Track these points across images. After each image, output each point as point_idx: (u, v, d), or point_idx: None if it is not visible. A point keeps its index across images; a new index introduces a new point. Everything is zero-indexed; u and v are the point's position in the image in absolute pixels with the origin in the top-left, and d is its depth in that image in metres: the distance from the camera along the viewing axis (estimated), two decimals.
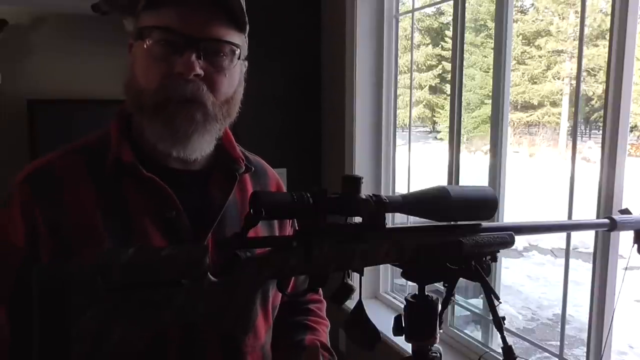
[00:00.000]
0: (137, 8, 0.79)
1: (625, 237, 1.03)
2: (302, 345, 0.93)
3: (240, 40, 0.80)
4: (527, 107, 13.60)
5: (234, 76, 0.81)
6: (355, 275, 0.67)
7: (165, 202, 0.78)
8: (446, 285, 0.72)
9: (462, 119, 1.98)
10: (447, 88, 2.17)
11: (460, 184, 1.97)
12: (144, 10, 0.77)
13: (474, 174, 2.00)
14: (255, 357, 0.86)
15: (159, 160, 0.81)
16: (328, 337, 1.01)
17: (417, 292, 0.71)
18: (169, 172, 0.80)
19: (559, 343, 1.66)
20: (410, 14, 2.37)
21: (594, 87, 10.21)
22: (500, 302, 0.70)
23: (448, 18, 13.15)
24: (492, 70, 1.84)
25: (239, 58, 0.80)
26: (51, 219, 0.74)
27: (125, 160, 0.77)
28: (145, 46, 0.75)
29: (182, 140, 0.77)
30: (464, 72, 1.94)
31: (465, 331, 2.02)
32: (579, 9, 1.60)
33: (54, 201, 0.75)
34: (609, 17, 1.37)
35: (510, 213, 2.01)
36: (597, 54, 9.56)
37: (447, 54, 11.07)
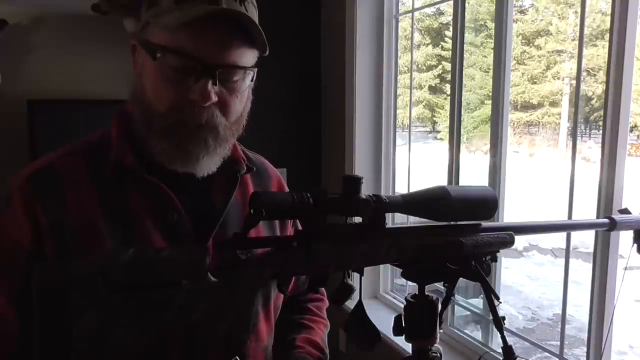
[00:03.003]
0: (141, 10, 0.76)
1: (625, 237, 1.03)
2: (293, 344, 0.92)
3: (254, 57, 0.78)
4: (527, 107, 13.60)
5: (245, 94, 0.80)
6: (355, 275, 0.67)
7: (166, 205, 0.77)
8: (446, 285, 0.72)
9: (462, 119, 1.98)
10: (447, 88, 2.17)
11: (460, 184, 1.97)
12: (153, 20, 0.73)
13: (474, 174, 2.00)
14: (258, 359, 0.86)
15: (161, 163, 0.80)
16: (325, 336, 1.00)
17: (417, 292, 0.71)
18: (170, 174, 0.80)
19: (559, 343, 1.66)
20: (410, 14, 2.37)
21: (594, 87, 10.21)
22: (500, 302, 0.69)
23: (448, 18, 13.14)
24: (492, 70, 1.84)
25: (252, 80, 0.79)
26: (53, 219, 0.73)
27: (126, 164, 0.76)
28: (156, 64, 0.73)
29: (192, 163, 0.77)
30: (464, 72, 1.94)
31: (465, 331, 2.02)
32: (578, 9, 1.60)
33: (56, 202, 0.74)
34: (608, 17, 1.37)
35: (510, 213, 2.01)
36: (597, 54, 9.56)
37: (447, 54, 11.07)
